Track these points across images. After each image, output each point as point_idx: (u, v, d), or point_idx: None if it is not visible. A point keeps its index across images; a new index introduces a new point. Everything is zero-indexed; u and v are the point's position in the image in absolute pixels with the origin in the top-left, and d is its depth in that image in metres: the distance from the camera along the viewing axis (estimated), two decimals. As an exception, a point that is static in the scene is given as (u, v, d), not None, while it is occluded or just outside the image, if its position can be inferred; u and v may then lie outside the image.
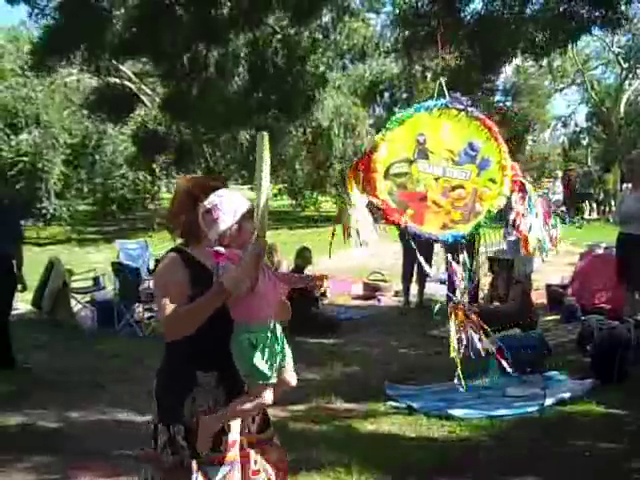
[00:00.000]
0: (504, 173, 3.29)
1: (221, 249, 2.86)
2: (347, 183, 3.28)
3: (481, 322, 3.49)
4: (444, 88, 3.42)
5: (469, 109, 3.31)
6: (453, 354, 3.29)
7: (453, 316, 3.43)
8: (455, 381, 3.49)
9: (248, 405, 3.04)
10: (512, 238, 3.25)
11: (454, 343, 3.33)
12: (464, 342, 3.38)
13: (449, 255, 3.57)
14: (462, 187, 3.24)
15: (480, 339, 3.38)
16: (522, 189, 3.35)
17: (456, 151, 3.26)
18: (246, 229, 2.93)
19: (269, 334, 3.00)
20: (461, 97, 3.39)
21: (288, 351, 3.15)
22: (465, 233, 3.28)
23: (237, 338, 2.96)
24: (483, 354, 3.48)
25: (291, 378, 3.15)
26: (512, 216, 3.33)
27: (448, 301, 3.70)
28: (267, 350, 2.97)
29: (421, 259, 3.55)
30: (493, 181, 3.27)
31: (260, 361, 2.95)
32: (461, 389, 3.77)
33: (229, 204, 2.94)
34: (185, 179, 3.21)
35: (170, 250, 3.08)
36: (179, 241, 3.14)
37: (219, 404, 2.96)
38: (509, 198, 3.32)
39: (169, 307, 2.85)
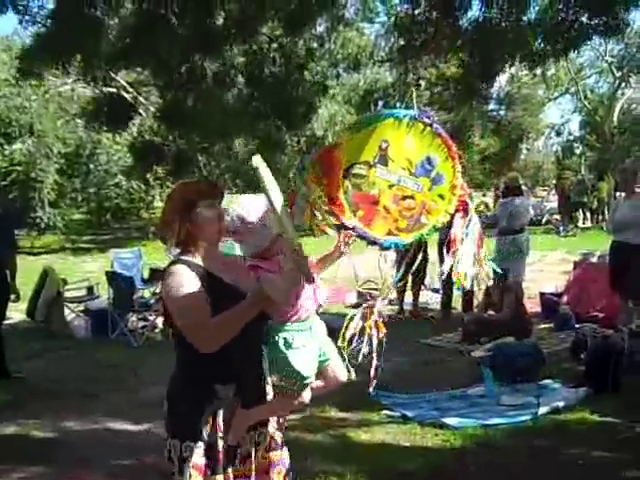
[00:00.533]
0: (453, 192, 3.35)
1: (260, 263, 2.89)
2: (308, 177, 3.29)
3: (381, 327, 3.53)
4: (414, 99, 3.49)
5: (434, 125, 3.37)
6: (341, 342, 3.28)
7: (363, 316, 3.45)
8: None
9: (286, 404, 3.08)
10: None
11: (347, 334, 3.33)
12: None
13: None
14: (412, 198, 3.29)
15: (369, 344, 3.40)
16: (465, 210, 3.40)
17: (414, 162, 3.31)
18: (280, 238, 2.93)
19: (307, 332, 3.03)
20: (428, 113, 3.46)
21: (331, 347, 3.16)
22: (405, 242, 3.33)
23: (272, 339, 2.96)
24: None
25: (339, 374, 3.20)
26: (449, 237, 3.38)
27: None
28: (304, 349, 2.99)
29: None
30: (442, 197, 3.33)
31: (297, 361, 2.95)
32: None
33: (264, 212, 2.94)
34: (180, 184, 3.09)
35: (173, 262, 2.97)
36: (175, 250, 3.05)
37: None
38: (452, 217, 3.38)
39: (198, 321, 2.78)
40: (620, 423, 5.85)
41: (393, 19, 11.46)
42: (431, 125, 3.37)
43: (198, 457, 2.88)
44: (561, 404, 6.25)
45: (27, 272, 10.61)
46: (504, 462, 5.21)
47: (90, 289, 11.84)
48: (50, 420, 6.46)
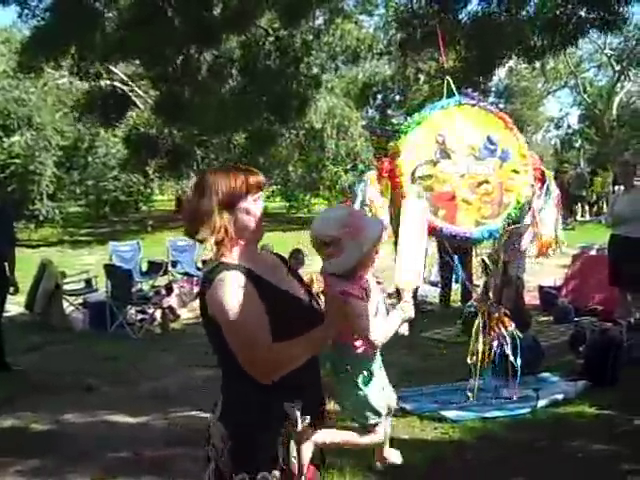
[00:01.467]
0: (525, 162, 3.28)
1: (348, 288, 2.60)
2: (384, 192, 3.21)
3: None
4: (452, 86, 3.43)
5: (481, 104, 3.31)
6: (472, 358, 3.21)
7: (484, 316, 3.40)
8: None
9: (364, 441, 2.95)
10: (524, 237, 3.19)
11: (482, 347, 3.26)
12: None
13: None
14: (487, 182, 3.24)
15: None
16: (542, 178, 3.35)
17: (476, 147, 3.25)
18: (373, 256, 2.74)
19: (380, 366, 2.87)
20: (471, 93, 3.40)
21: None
22: (498, 227, 3.27)
23: (348, 371, 2.76)
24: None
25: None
26: (528, 216, 3.32)
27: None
28: (379, 385, 2.83)
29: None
30: (516, 171, 3.27)
31: (375, 399, 2.80)
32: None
33: (372, 226, 2.71)
34: (222, 173, 2.58)
35: (219, 266, 2.50)
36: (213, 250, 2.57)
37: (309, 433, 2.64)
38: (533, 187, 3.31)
39: (262, 345, 2.41)
40: (619, 416, 5.85)
41: (392, 12, 11.44)
42: (477, 104, 3.31)
43: None
44: (560, 397, 6.25)
45: (25, 265, 10.60)
46: (503, 455, 5.22)
47: (88, 282, 11.83)
48: (48, 413, 6.45)
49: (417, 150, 3.27)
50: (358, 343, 2.73)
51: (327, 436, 2.79)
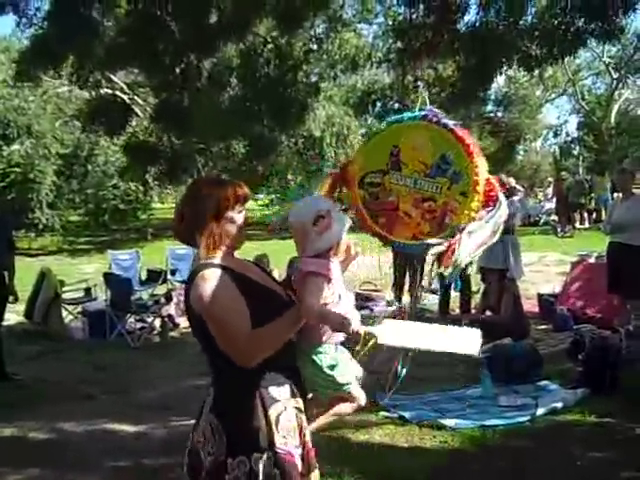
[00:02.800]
0: (476, 189, 3.28)
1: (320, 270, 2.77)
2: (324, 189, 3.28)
3: None
4: (426, 100, 3.45)
5: (443, 121, 3.31)
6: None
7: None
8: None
9: (347, 409, 3.16)
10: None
11: None
12: None
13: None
14: (433, 199, 3.24)
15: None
16: (494, 203, 3.33)
17: (429, 164, 3.27)
18: (344, 241, 2.94)
19: (340, 348, 3.05)
20: (436, 110, 3.41)
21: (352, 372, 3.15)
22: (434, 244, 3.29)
23: (312, 360, 2.96)
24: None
25: (360, 398, 3.18)
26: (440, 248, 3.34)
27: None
28: (345, 364, 3.03)
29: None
30: (464, 195, 3.27)
31: (342, 376, 3.01)
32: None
33: (340, 214, 2.93)
34: (213, 184, 2.85)
35: (203, 266, 2.73)
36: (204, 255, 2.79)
37: (302, 413, 2.85)
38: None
39: (239, 331, 2.62)
40: (618, 424, 5.85)
41: (391, 22, 11.50)
42: (438, 122, 3.32)
43: (269, 469, 2.68)
44: (559, 405, 6.26)
45: (25, 273, 10.60)
46: (502, 463, 5.22)
47: (88, 291, 11.83)
48: (47, 422, 6.45)
49: (372, 158, 3.32)
50: (316, 336, 2.94)
51: (320, 421, 3.08)
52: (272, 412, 2.71)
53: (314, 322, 2.79)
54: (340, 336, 3.00)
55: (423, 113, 3.35)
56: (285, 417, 2.75)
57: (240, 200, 2.79)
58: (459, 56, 9.89)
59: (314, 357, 2.97)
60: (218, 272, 2.69)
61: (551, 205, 25.40)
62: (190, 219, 2.78)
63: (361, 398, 3.17)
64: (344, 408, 3.18)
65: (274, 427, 2.70)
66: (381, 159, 3.30)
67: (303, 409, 2.87)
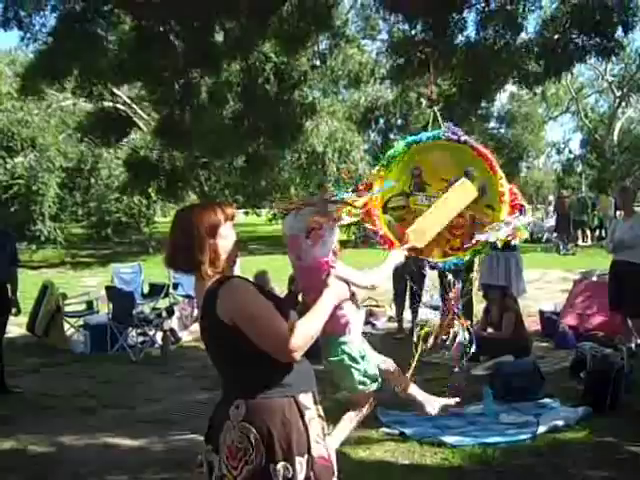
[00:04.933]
0: (501, 199, 3.28)
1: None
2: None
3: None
4: (439, 118, 3.45)
5: (462, 139, 3.32)
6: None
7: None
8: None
9: (365, 411, 3.38)
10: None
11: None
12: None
13: (451, 279, 3.59)
14: (461, 215, 3.25)
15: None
16: (522, 212, 3.35)
17: (452, 180, 3.27)
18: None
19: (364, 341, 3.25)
20: (455, 127, 3.41)
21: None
22: (464, 259, 3.29)
23: (342, 352, 3.15)
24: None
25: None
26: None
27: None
28: (372, 356, 3.24)
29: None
30: (491, 208, 3.27)
31: (371, 367, 3.21)
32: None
33: (332, 226, 3.10)
34: (197, 210, 3.01)
35: (223, 279, 2.87)
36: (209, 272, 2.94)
37: (323, 421, 3.00)
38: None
39: (283, 326, 2.77)
40: (620, 443, 5.83)
41: (391, 39, 11.56)
42: (459, 140, 3.33)
43: (305, 471, 2.82)
44: (560, 423, 6.23)
45: (27, 286, 10.61)
46: (503, 481, 5.20)
47: (89, 304, 11.83)
48: (47, 435, 6.43)
49: (392, 182, 3.31)
50: (339, 329, 3.16)
51: (341, 434, 3.32)
52: (307, 417, 2.87)
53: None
54: (359, 327, 3.21)
55: (439, 132, 3.36)
56: (314, 423, 2.91)
57: (228, 217, 2.97)
58: (457, 73, 9.93)
59: (344, 347, 3.14)
60: (240, 280, 2.89)
61: (552, 222, 25.40)
62: (186, 245, 2.91)
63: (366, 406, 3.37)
64: (361, 411, 3.39)
65: (310, 432, 2.85)
66: (403, 182, 3.30)
67: (324, 416, 3.01)
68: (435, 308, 11.18)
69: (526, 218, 3.37)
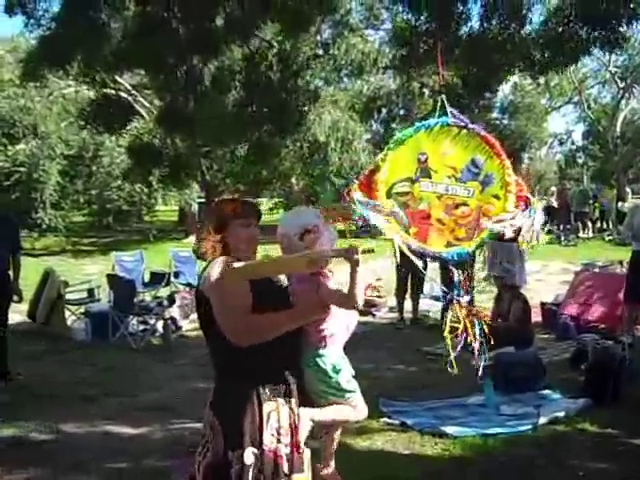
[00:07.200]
0: (507, 189, 3.27)
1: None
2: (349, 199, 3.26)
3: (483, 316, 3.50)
4: (446, 104, 3.43)
5: (470, 126, 3.30)
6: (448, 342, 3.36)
7: (455, 309, 3.45)
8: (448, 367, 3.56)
9: (351, 415, 3.25)
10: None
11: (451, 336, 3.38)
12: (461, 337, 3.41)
13: (456, 270, 3.56)
14: (466, 204, 3.23)
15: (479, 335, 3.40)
16: (527, 204, 3.34)
17: (458, 168, 3.24)
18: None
19: (344, 356, 3.23)
20: (461, 115, 3.39)
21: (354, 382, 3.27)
22: (470, 250, 3.27)
23: (317, 364, 3.12)
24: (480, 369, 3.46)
25: (362, 408, 3.32)
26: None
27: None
28: (347, 370, 3.20)
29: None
30: (497, 197, 3.26)
31: (346, 382, 3.18)
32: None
33: (328, 229, 3.12)
34: (218, 201, 3.21)
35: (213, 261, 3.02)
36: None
37: (295, 415, 3.00)
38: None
39: (242, 311, 2.83)
40: (620, 435, 5.84)
41: (392, 29, 11.55)
42: (466, 127, 3.31)
43: (254, 463, 2.86)
44: (561, 414, 6.24)
45: (28, 273, 10.58)
46: (503, 472, 5.20)
47: (91, 292, 11.83)
48: (48, 423, 6.43)
49: (398, 167, 3.29)
50: (317, 339, 3.13)
51: (321, 414, 3.15)
52: (265, 409, 2.90)
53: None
54: (342, 340, 3.18)
55: (447, 119, 3.33)
56: (275, 416, 2.91)
57: (238, 215, 3.07)
58: (461, 64, 9.91)
59: (317, 360, 3.08)
60: (227, 259, 2.95)
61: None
62: (198, 236, 3.13)
63: (363, 410, 3.27)
64: (347, 412, 3.23)
65: (265, 424, 2.88)
66: (408, 167, 3.28)
67: (297, 411, 3.01)
68: (436, 299, 11.24)
69: (539, 215, 3.36)
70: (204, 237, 3.08)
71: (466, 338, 3.35)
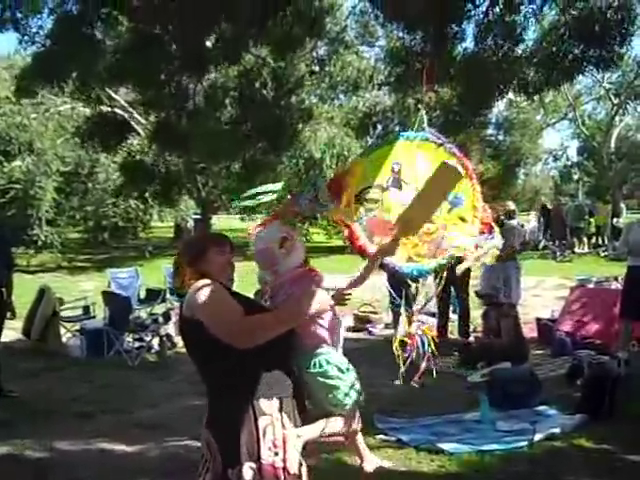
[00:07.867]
0: (475, 214, 3.26)
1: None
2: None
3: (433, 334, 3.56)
4: (424, 120, 3.44)
5: (447, 145, 3.31)
6: (395, 348, 3.40)
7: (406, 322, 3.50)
8: (397, 381, 3.65)
9: (341, 427, 3.30)
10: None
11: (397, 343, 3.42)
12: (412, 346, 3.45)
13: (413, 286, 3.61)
14: (431, 222, 3.22)
15: (426, 345, 3.44)
16: (490, 231, 3.33)
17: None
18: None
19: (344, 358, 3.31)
20: (438, 133, 3.41)
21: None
22: (429, 268, 3.26)
23: (320, 365, 3.20)
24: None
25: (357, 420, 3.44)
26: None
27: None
28: (350, 373, 3.26)
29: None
30: (463, 219, 3.25)
31: (346, 385, 3.22)
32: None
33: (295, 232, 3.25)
34: (187, 238, 3.31)
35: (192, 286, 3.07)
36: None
37: (285, 429, 3.01)
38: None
39: (238, 316, 2.91)
40: (616, 450, 5.83)
41: (386, 48, 11.60)
42: (443, 145, 3.31)
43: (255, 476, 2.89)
44: (557, 430, 6.23)
45: (23, 290, 10.58)
46: (500, 488, 5.19)
47: (86, 308, 11.81)
48: (43, 440, 6.41)
49: (371, 173, 3.29)
50: (318, 340, 3.22)
51: (310, 431, 3.21)
52: (261, 423, 2.92)
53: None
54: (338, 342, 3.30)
55: (426, 134, 3.34)
56: (271, 430, 2.94)
57: (213, 242, 3.19)
58: (456, 83, 9.95)
59: (327, 358, 3.19)
60: (207, 281, 3.01)
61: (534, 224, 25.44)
62: (179, 272, 3.18)
63: (356, 420, 3.35)
64: (337, 425, 3.29)
65: (262, 438, 2.90)
66: (382, 174, 3.28)
67: (288, 426, 3.03)
68: (432, 315, 11.24)
69: (495, 240, 3.36)
70: (182, 274, 3.15)
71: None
